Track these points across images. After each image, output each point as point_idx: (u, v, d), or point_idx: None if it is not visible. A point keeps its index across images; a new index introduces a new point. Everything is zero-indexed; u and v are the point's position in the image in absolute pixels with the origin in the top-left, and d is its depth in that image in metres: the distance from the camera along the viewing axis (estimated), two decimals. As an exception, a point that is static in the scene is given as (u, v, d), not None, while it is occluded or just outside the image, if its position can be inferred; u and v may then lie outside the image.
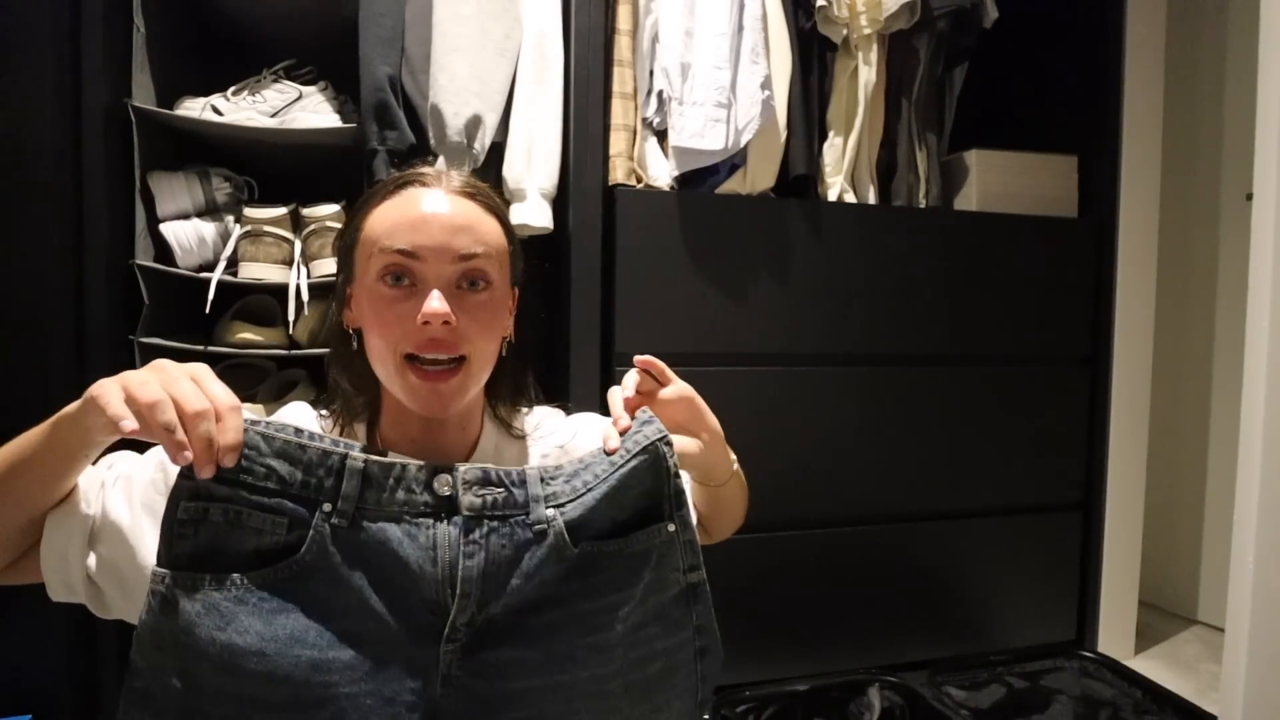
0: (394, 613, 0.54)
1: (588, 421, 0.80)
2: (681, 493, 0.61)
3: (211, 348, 1.27)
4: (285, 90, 1.34)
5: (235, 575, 0.52)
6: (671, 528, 0.60)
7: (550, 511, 0.56)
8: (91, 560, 0.59)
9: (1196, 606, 1.90)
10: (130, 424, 0.48)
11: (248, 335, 1.28)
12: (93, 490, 0.60)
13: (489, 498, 0.55)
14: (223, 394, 0.52)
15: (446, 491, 0.55)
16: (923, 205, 1.55)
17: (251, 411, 0.72)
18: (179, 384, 0.50)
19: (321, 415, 0.73)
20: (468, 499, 0.55)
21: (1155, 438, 1.69)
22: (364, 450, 0.55)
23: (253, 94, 1.32)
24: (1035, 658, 1.55)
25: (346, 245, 0.69)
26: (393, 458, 0.56)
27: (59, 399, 0.49)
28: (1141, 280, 1.65)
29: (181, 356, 1.26)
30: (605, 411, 0.87)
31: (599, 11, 1.33)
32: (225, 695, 0.50)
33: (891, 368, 1.50)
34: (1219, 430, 1.86)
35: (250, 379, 1.39)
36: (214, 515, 0.52)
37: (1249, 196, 1.36)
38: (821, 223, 1.44)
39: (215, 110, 1.30)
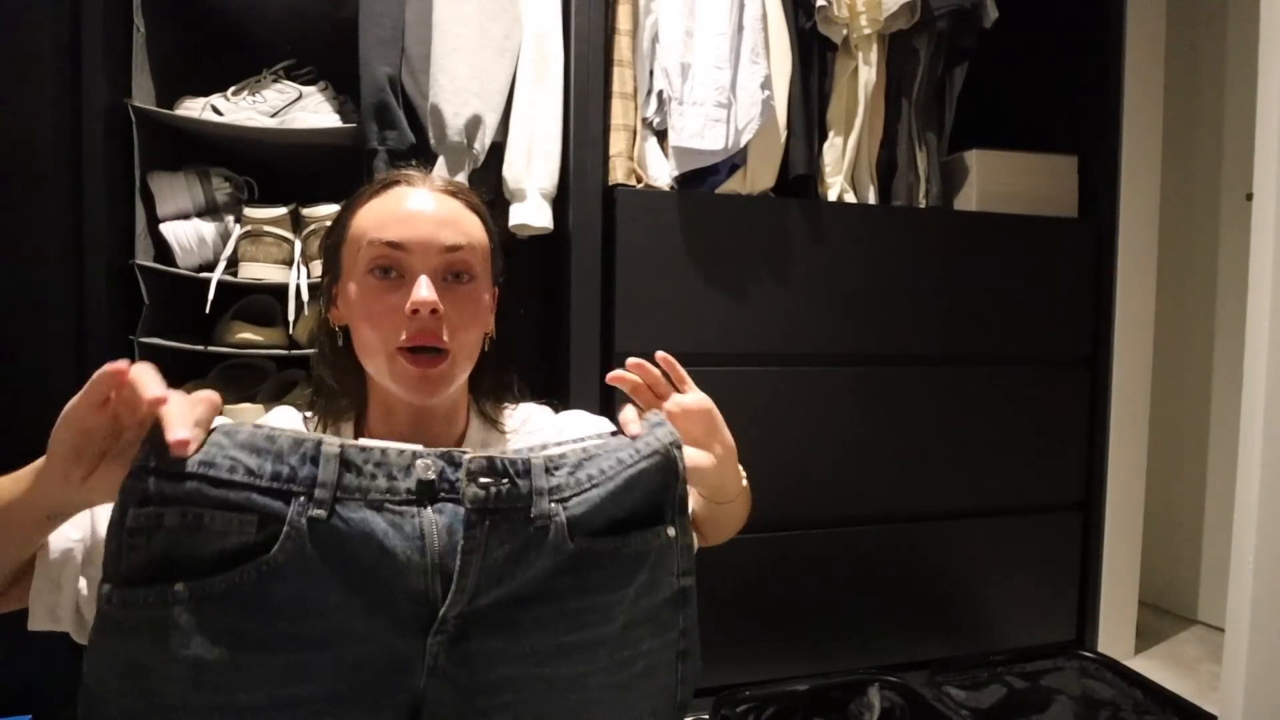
0: (376, 607, 0.51)
1: (576, 419, 0.81)
2: (685, 498, 0.60)
3: (211, 348, 1.27)
4: (285, 90, 1.34)
5: (195, 583, 0.47)
6: (672, 532, 0.59)
7: (554, 506, 0.54)
8: (83, 584, 0.58)
9: (1196, 606, 1.89)
10: (96, 416, 0.47)
11: (248, 335, 1.28)
12: (83, 515, 0.59)
13: (493, 489, 0.53)
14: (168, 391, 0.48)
15: (431, 475, 0.52)
16: (923, 205, 1.55)
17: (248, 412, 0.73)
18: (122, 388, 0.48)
19: (306, 417, 0.74)
20: (471, 490, 0.52)
21: (1155, 438, 1.69)
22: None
23: (253, 94, 1.32)
24: (1035, 658, 1.55)
25: (333, 244, 0.72)
26: (370, 443, 0.53)
27: (59, 399, 0.47)
28: (1141, 280, 1.65)
29: (181, 356, 1.27)
30: (602, 410, 0.87)
31: (599, 11, 1.33)
32: (197, 708, 0.48)
33: (891, 368, 1.50)
34: (1219, 430, 1.86)
35: (250, 379, 1.39)
36: (169, 520, 0.47)
37: (1249, 196, 1.36)
38: (821, 223, 1.44)
39: (215, 110, 1.30)
